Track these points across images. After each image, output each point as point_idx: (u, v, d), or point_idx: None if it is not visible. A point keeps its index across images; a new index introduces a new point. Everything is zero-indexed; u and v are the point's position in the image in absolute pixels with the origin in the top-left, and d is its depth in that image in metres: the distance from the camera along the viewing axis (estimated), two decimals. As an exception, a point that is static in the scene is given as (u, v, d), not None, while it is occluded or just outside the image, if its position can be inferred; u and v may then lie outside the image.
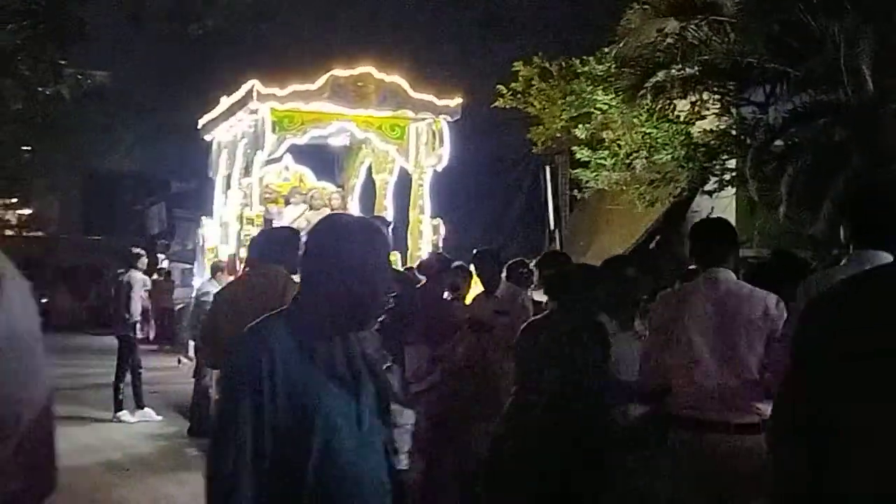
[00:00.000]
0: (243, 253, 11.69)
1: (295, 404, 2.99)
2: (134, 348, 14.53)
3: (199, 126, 16.52)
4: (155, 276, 24.31)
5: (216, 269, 13.74)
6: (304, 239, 8.82)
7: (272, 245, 8.00)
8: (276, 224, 13.67)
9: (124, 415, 14.21)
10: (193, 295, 14.10)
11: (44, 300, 31.59)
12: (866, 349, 2.17)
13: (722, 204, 14.91)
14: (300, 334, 3.09)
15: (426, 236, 14.40)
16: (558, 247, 14.06)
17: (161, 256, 25.23)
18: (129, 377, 14.43)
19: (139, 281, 14.64)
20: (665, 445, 5.49)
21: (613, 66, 14.63)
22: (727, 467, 5.27)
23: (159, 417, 14.18)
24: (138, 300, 14.47)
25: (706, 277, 5.53)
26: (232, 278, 12.13)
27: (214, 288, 12.74)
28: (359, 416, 3.10)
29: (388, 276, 3.35)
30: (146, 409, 14.50)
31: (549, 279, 6.94)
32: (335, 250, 3.17)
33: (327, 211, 15.13)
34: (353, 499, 3.04)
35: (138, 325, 14.56)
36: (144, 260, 15.43)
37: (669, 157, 14.24)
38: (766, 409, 5.09)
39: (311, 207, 15.23)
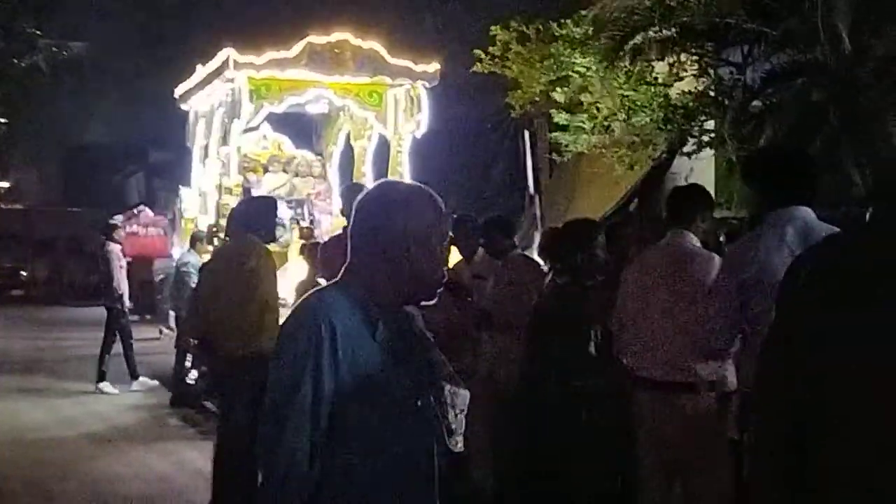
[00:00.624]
0: (223, 223, 11.65)
1: (355, 378, 2.85)
2: (120, 319, 14.51)
3: (176, 95, 16.43)
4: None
5: (195, 240, 13.70)
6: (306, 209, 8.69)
7: (248, 215, 8.02)
8: (255, 193, 13.63)
9: (106, 386, 14.18)
10: (173, 265, 14.04)
11: (23, 273, 31.54)
12: (846, 301, 2.23)
13: (701, 165, 14.92)
14: (361, 306, 2.93)
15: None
16: (538, 211, 14.04)
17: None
18: (115, 349, 14.42)
19: (116, 252, 14.60)
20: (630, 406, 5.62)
21: (591, 28, 14.57)
22: (667, 426, 5.38)
23: (155, 383, 14.15)
24: (118, 271, 14.41)
25: (667, 240, 5.65)
26: (211, 248, 12.12)
27: (194, 258, 12.72)
28: (416, 394, 2.98)
29: (446, 246, 3.16)
30: (142, 379, 14.51)
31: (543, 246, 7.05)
32: (393, 219, 2.97)
33: (306, 179, 15.11)
34: (405, 477, 2.92)
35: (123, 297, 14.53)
36: (122, 231, 15.38)
37: (648, 119, 14.22)
38: (703, 369, 5.22)
39: (296, 175, 15.20)
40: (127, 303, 14.51)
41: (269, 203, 8.42)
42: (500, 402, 7.17)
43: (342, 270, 3.05)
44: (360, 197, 3.10)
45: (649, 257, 5.79)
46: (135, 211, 27.27)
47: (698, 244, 5.57)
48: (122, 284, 14.42)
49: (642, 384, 5.49)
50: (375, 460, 2.85)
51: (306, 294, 3.08)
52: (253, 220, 7.89)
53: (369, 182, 14.59)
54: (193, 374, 12.86)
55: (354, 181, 14.03)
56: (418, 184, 3.15)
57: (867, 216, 2.48)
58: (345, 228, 8.29)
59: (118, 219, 16.61)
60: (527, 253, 9.61)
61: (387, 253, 2.96)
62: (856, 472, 2.23)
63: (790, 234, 4.52)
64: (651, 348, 5.45)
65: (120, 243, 14.76)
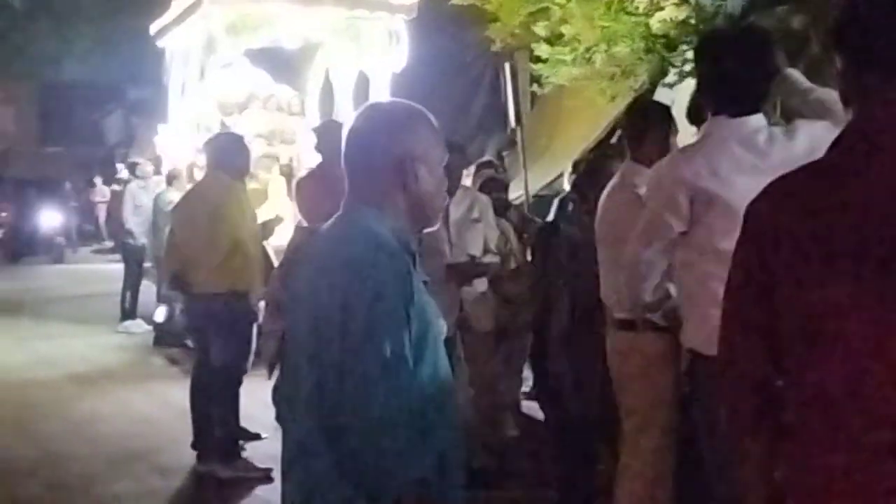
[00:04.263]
0: (201, 160, 11.55)
1: (418, 313, 2.67)
2: (129, 258, 14.86)
3: (152, 32, 16.21)
4: (114, 186, 24.05)
5: (172, 177, 13.64)
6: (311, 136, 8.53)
7: (216, 152, 8.00)
8: (234, 130, 13.51)
9: (131, 325, 14.46)
10: (150, 203, 14.03)
11: (3, 213, 31.29)
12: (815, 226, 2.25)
13: (683, 97, 14.82)
14: (396, 237, 2.74)
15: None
16: (520, 144, 13.94)
17: (120, 166, 24.84)
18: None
19: (131, 191, 15.14)
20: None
21: (570, -41, 14.43)
22: (613, 364, 5.29)
23: (148, 328, 14.13)
24: (125, 210, 14.94)
25: (617, 180, 5.42)
26: (190, 186, 12.05)
27: (171, 195, 12.67)
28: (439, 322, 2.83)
29: (442, 164, 2.91)
30: (137, 320, 14.57)
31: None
32: (399, 139, 2.80)
33: (285, 115, 14.96)
34: (447, 406, 2.80)
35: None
36: (98, 179, 15.69)
37: (629, 49, 14.10)
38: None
39: (276, 111, 15.04)
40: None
41: (236, 139, 8.37)
42: None
43: (350, 202, 2.85)
44: (354, 123, 2.90)
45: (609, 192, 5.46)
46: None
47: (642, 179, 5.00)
48: (131, 220, 14.60)
49: (610, 324, 5.39)
50: (432, 395, 2.71)
51: (342, 225, 2.82)
52: (220, 157, 7.87)
53: (349, 118, 14.45)
54: (161, 310, 12.79)
55: (332, 118, 13.91)
56: (410, 103, 2.94)
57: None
58: (319, 165, 8.22)
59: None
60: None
61: (397, 177, 2.79)
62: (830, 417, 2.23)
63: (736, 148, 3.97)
64: (608, 286, 5.32)
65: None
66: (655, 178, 4.28)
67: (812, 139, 3.81)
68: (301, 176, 9.04)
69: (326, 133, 8.56)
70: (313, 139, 8.67)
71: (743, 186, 3.60)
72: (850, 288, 2.17)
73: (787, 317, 2.31)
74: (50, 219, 29.70)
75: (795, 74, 4.20)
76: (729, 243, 3.56)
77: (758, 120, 3.97)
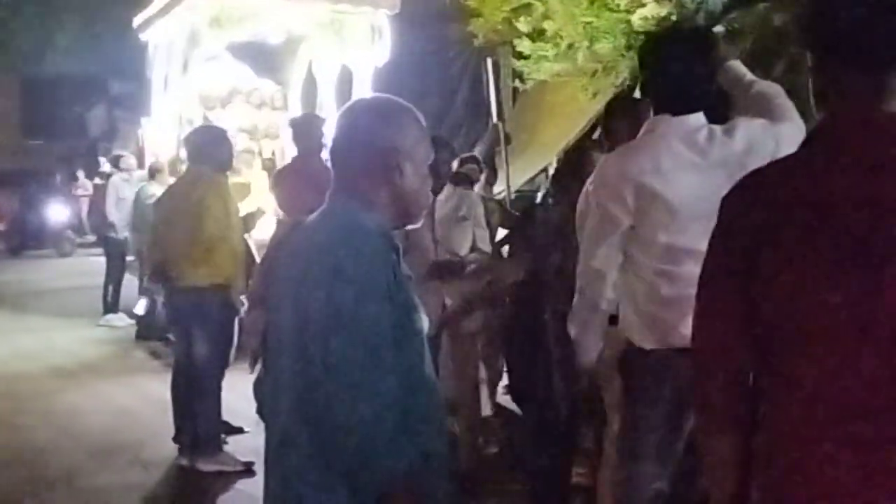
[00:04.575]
0: (183, 154, 11.56)
1: (401, 306, 2.70)
2: (112, 252, 14.87)
3: (136, 25, 16.18)
4: (97, 180, 23.98)
5: (154, 171, 13.62)
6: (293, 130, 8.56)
7: (196, 146, 8.03)
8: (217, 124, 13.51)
9: (113, 319, 14.43)
10: (134, 197, 13.98)
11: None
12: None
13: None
14: (380, 231, 2.76)
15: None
16: (502, 140, 13.95)
17: (103, 160, 24.75)
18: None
19: (113, 183, 15.00)
20: None
21: (552, -46, 14.47)
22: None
23: (130, 321, 14.07)
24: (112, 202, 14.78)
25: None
26: (173, 180, 12.05)
27: (154, 189, 12.66)
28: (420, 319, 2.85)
29: (428, 162, 2.93)
30: (119, 314, 14.58)
31: None
32: (384, 134, 2.80)
33: (268, 110, 14.96)
34: (434, 404, 2.85)
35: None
36: (81, 172, 15.65)
37: (611, 46, 14.15)
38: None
39: (258, 106, 15.03)
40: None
41: (217, 133, 8.37)
42: None
43: (334, 195, 2.86)
44: (341, 117, 2.93)
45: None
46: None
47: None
48: (113, 214, 14.55)
49: None
50: (415, 390, 2.73)
51: (327, 218, 2.82)
52: (201, 151, 7.89)
53: (332, 112, 14.48)
54: (142, 302, 12.77)
55: (309, 111, 13.91)
56: (398, 99, 2.95)
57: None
58: (295, 158, 8.25)
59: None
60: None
61: (381, 171, 2.80)
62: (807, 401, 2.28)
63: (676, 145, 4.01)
64: None
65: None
66: (600, 175, 4.31)
67: (750, 137, 3.93)
68: (278, 169, 9.07)
69: (303, 126, 8.62)
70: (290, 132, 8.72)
71: (683, 183, 3.83)
72: (825, 280, 2.22)
73: (764, 308, 2.34)
74: (57, 212, 29.99)
75: (737, 66, 4.28)
76: (668, 238, 3.71)
77: (697, 119, 4.02)
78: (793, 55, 11.09)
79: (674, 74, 4.02)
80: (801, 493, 2.27)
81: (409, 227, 3.03)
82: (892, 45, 2.26)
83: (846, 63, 2.32)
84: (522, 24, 15.53)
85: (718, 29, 12.87)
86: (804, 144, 2.41)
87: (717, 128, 4.03)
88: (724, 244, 2.45)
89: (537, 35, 15.43)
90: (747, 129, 4.00)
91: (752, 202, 2.39)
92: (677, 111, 4.03)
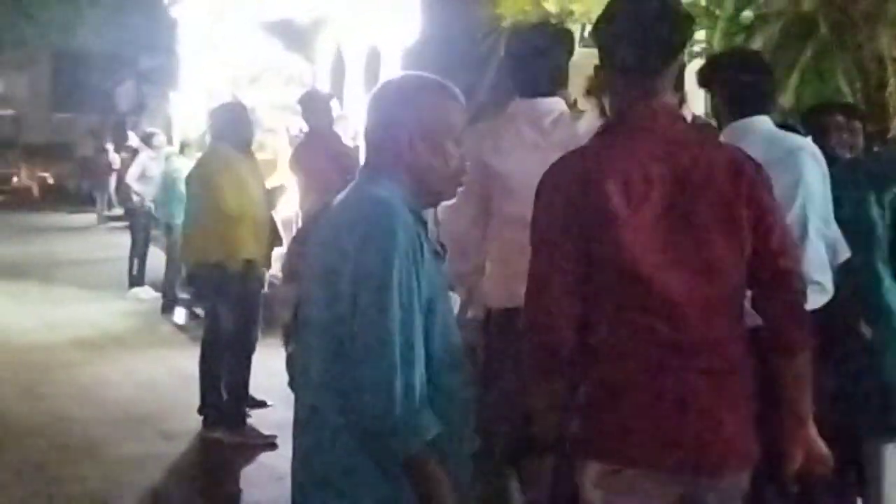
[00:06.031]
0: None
1: (428, 280, 2.72)
2: (136, 225, 14.99)
3: (166, 1, 16.26)
4: (123, 154, 24.08)
5: (184, 146, 13.68)
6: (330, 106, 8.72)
7: (216, 123, 8.11)
8: (246, 101, 13.55)
9: (140, 292, 14.53)
10: (162, 171, 14.00)
11: (15, 178, 31.42)
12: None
13: (691, 77, 14.81)
14: (409, 209, 2.77)
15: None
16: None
17: (131, 133, 24.85)
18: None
19: (141, 159, 15.08)
20: None
21: (582, -64, 14.41)
22: None
23: (156, 294, 14.18)
24: (129, 175, 15.00)
25: None
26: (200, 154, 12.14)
27: (180, 163, 12.71)
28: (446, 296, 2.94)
29: (453, 137, 2.90)
30: (145, 287, 14.70)
31: None
32: (399, 112, 2.83)
33: (296, 87, 14.99)
34: (461, 387, 2.88)
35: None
36: (110, 146, 15.63)
37: (639, 29, 14.14)
38: None
39: (284, 83, 15.07)
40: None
41: (235, 110, 8.43)
42: None
43: (364, 171, 2.91)
44: (369, 98, 2.96)
45: None
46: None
47: None
48: (135, 185, 14.65)
49: None
50: (440, 358, 2.76)
51: (356, 193, 2.86)
52: (222, 127, 7.97)
53: (361, 90, 14.51)
54: (180, 312, 12.92)
55: (312, 89, 13.94)
56: (430, 76, 2.95)
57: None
58: (307, 133, 8.34)
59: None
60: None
61: (394, 149, 2.82)
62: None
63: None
64: None
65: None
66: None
67: (592, 126, 4.21)
68: (294, 147, 9.22)
69: (311, 102, 8.85)
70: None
71: (520, 159, 4.32)
72: (632, 229, 2.84)
73: (595, 263, 2.88)
74: (60, 183, 30.10)
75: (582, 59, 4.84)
76: (511, 208, 4.24)
77: (550, 103, 4.52)
78: (822, 40, 11.06)
79: (526, 63, 4.55)
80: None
81: (442, 202, 3.14)
82: (656, 60, 3.00)
83: (619, 69, 3.06)
84: (550, 5, 15.49)
85: (747, 14, 12.84)
86: (604, 131, 3.06)
87: (568, 114, 4.60)
88: (547, 213, 2.94)
89: (566, 16, 15.39)
90: (593, 121, 4.55)
91: (570, 176, 2.93)
92: (530, 95, 4.52)
